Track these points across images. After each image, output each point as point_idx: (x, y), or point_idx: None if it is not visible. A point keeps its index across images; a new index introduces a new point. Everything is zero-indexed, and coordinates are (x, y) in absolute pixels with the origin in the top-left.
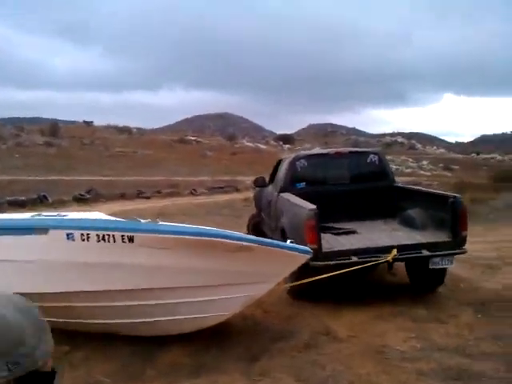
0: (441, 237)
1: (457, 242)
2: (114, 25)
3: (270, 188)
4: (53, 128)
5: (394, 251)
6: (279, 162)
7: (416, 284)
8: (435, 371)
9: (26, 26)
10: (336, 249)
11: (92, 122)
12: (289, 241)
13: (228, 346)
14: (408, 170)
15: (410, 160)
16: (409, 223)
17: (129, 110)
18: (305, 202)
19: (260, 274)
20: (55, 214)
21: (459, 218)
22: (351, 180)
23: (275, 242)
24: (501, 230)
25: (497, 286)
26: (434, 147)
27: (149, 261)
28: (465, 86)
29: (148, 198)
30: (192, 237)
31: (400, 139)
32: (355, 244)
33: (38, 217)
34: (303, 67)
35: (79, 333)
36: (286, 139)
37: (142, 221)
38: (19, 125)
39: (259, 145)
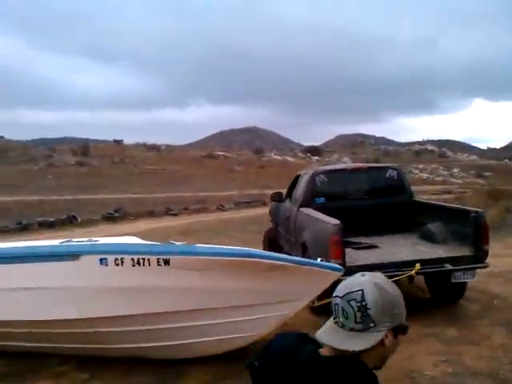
0: (462, 251)
1: (479, 256)
2: (140, 43)
3: (287, 203)
4: (84, 148)
5: (418, 265)
6: (297, 178)
7: (436, 297)
8: None
9: (55, 46)
10: (359, 263)
11: (122, 140)
12: (319, 259)
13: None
14: (439, 178)
15: (441, 168)
16: (429, 238)
17: (157, 127)
18: (328, 217)
19: (293, 293)
20: (86, 239)
21: (481, 232)
22: (370, 195)
23: (307, 260)
24: None
25: None
26: (466, 154)
27: (185, 283)
28: (495, 90)
29: (176, 214)
30: (227, 258)
31: (430, 147)
32: (378, 258)
33: (67, 243)
34: (330, 78)
35: (99, 360)
36: (313, 151)
37: (177, 243)
38: (50, 146)
39: (287, 157)
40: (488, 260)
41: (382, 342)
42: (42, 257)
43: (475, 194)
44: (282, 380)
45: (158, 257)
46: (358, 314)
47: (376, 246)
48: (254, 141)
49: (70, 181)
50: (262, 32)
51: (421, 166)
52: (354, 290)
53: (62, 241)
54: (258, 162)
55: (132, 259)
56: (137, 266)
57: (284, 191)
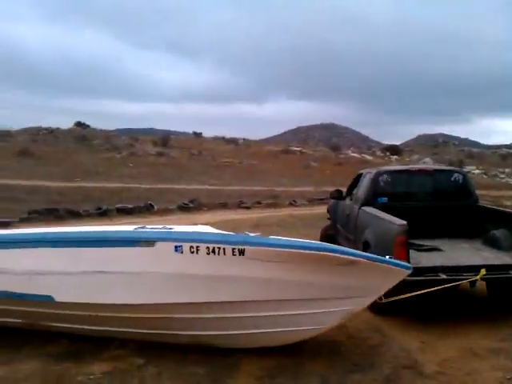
0: None
1: None
2: (219, 39)
3: (347, 201)
4: (164, 139)
5: (483, 270)
6: (359, 176)
7: (498, 304)
8: None
9: (140, 41)
10: (424, 265)
11: (201, 133)
12: (387, 256)
13: (302, 373)
14: None
15: None
16: (493, 244)
17: (236, 121)
18: (393, 217)
19: (362, 289)
20: (161, 226)
21: None
22: (434, 197)
23: (379, 256)
24: None
25: None
26: None
27: (258, 273)
28: None
29: (248, 208)
30: (302, 250)
31: None
32: (441, 261)
33: (142, 229)
34: (412, 76)
35: (154, 347)
36: (393, 150)
37: (251, 234)
38: (134, 135)
39: (365, 155)
40: None
41: None
42: (117, 242)
43: None
44: None
45: (234, 246)
46: None
47: (439, 249)
48: (332, 137)
49: (149, 170)
50: (344, 27)
51: (507, 170)
52: None
53: (136, 227)
54: (334, 159)
55: (207, 247)
56: (212, 254)
57: (344, 189)
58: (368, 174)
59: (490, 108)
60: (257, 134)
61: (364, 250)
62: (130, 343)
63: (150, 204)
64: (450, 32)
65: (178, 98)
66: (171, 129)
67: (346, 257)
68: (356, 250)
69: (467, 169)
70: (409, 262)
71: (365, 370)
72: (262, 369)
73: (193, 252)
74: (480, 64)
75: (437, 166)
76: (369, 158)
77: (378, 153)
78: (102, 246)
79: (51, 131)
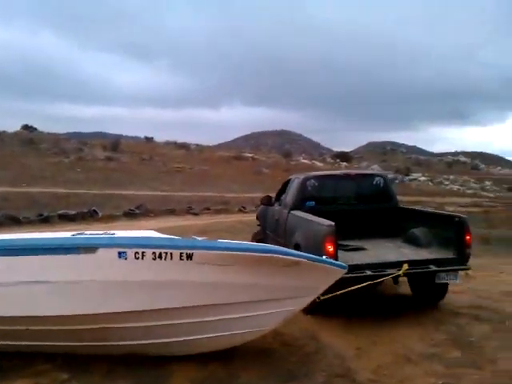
0: (446, 254)
1: (461, 259)
2: (177, 43)
3: (276, 206)
4: (114, 143)
5: (406, 265)
6: (287, 182)
7: (419, 298)
8: None
9: (92, 43)
10: (350, 263)
11: (152, 137)
12: (324, 256)
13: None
14: (470, 191)
15: (472, 180)
16: (413, 241)
17: (190, 126)
18: (321, 218)
19: (303, 288)
20: (101, 232)
21: (464, 236)
22: (357, 200)
23: (319, 257)
24: None
25: None
26: (499, 168)
27: (206, 278)
28: None
29: (197, 214)
30: (250, 253)
31: (463, 158)
32: (367, 259)
33: (80, 235)
34: (362, 84)
35: (81, 360)
36: (343, 157)
37: (199, 238)
38: (83, 139)
39: (316, 162)
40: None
41: None
42: (53, 249)
43: (505, 209)
44: None
45: (182, 251)
46: None
47: (363, 248)
48: (284, 144)
49: (98, 175)
50: (299, 36)
51: (452, 177)
52: None
53: (74, 233)
54: (285, 165)
55: (153, 253)
56: (158, 259)
57: (273, 195)
58: (296, 180)
59: (437, 117)
60: (210, 139)
61: None
62: (57, 357)
63: (94, 210)
64: (403, 42)
65: (132, 102)
66: (123, 133)
67: (290, 258)
68: (298, 252)
69: (414, 176)
70: (337, 260)
71: (299, 378)
72: (193, 380)
73: (138, 258)
74: (429, 75)
75: (359, 171)
76: (319, 164)
77: (329, 159)
78: (37, 254)
79: None
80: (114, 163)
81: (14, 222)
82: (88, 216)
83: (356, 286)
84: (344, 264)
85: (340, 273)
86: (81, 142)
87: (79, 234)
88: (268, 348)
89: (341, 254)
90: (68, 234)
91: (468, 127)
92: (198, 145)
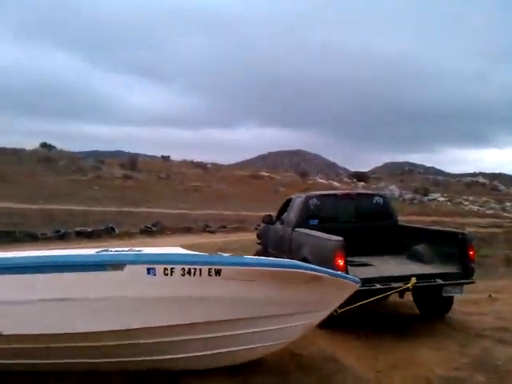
0: (451, 268)
1: (466, 274)
2: (191, 66)
3: (277, 225)
4: (131, 162)
5: (414, 279)
6: (288, 201)
7: (424, 311)
8: None
9: (108, 65)
10: (361, 277)
11: (169, 156)
12: (339, 272)
13: None
14: (490, 211)
15: (493, 201)
16: (416, 257)
17: (206, 146)
18: (329, 235)
19: (322, 302)
20: (127, 249)
21: (468, 251)
22: (358, 218)
23: (337, 272)
24: None
25: None
26: None
27: (233, 293)
28: None
29: (213, 232)
30: (277, 268)
31: (481, 180)
32: (376, 273)
33: (105, 252)
34: (381, 105)
35: (96, 379)
36: (360, 177)
37: (225, 254)
38: (101, 158)
39: (332, 182)
40: None
41: None
42: (80, 266)
43: None
44: None
45: (210, 267)
46: None
47: (369, 264)
48: (301, 164)
49: (115, 193)
50: (313, 56)
51: (471, 198)
52: None
53: (98, 250)
54: (302, 184)
55: (183, 269)
56: (187, 275)
57: (274, 214)
58: (298, 199)
59: (455, 139)
60: (226, 158)
61: None
62: (71, 375)
63: (111, 227)
64: (417, 66)
65: (148, 122)
66: (140, 152)
67: (313, 273)
68: (320, 267)
69: (433, 196)
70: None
71: None
72: None
73: (167, 274)
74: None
75: (360, 191)
76: (336, 184)
77: (346, 179)
78: (61, 272)
79: (15, 152)
80: (132, 181)
81: (32, 239)
82: (105, 233)
83: (367, 300)
84: (357, 279)
85: (355, 287)
86: (98, 160)
87: (104, 250)
88: (285, 369)
89: (349, 268)
90: (92, 251)
91: (486, 149)
92: (214, 164)
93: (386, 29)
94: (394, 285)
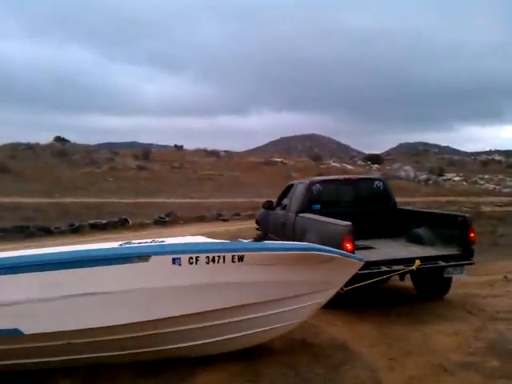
0: (452, 250)
1: (467, 255)
2: (203, 54)
3: (278, 210)
4: (145, 152)
5: (418, 261)
6: (289, 187)
7: (423, 292)
8: None
9: (120, 56)
10: (367, 259)
11: (182, 145)
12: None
13: None
14: (506, 190)
15: (509, 179)
16: (417, 240)
17: (219, 134)
18: (336, 219)
19: (330, 282)
20: (149, 240)
21: (468, 233)
22: (359, 203)
23: (347, 252)
24: None
25: None
26: None
27: (255, 277)
28: None
29: (226, 220)
30: (294, 252)
31: (497, 157)
32: (381, 256)
33: (129, 245)
34: (393, 85)
35: (105, 372)
36: (374, 159)
37: (245, 241)
38: (114, 149)
39: (346, 165)
40: None
41: None
42: (104, 260)
43: None
44: None
45: (234, 253)
46: None
47: (372, 247)
48: (314, 148)
49: (129, 184)
50: (324, 39)
51: (487, 176)
52: None
53: (121, 243)
54: (316, 169)
55: (207, 257)
56: (211, 263)
57: (274, 200)
58: (300, 184)
59: (470, 116)
60: (239, 145)
61: None
62: (79, 370)
63: (125, 219)
64: (431, 42)
65: (161, 112)
66: (154, 142)
67: (328, 254)
68: (332, 248)
69: (448, 176)
70: None
71: None
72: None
73: (192, 263)
74: (459, 73)
75: (361, 176)
76: (350, 167)
77: (360, 162)
78: (87, 266)
79: (30, 147)
80: (145, 172)
81: (46, 233)
82: (119, 225)
83: (371, 280)
84: (362, 257)
85: (359, 265)
86: (112, 151)
87: (127, 243)
88: (296, 358)
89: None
90: (115, 244)
91: (502, 125)
92: (227, 151)
93: (399, 4)
94: (398, 267)
